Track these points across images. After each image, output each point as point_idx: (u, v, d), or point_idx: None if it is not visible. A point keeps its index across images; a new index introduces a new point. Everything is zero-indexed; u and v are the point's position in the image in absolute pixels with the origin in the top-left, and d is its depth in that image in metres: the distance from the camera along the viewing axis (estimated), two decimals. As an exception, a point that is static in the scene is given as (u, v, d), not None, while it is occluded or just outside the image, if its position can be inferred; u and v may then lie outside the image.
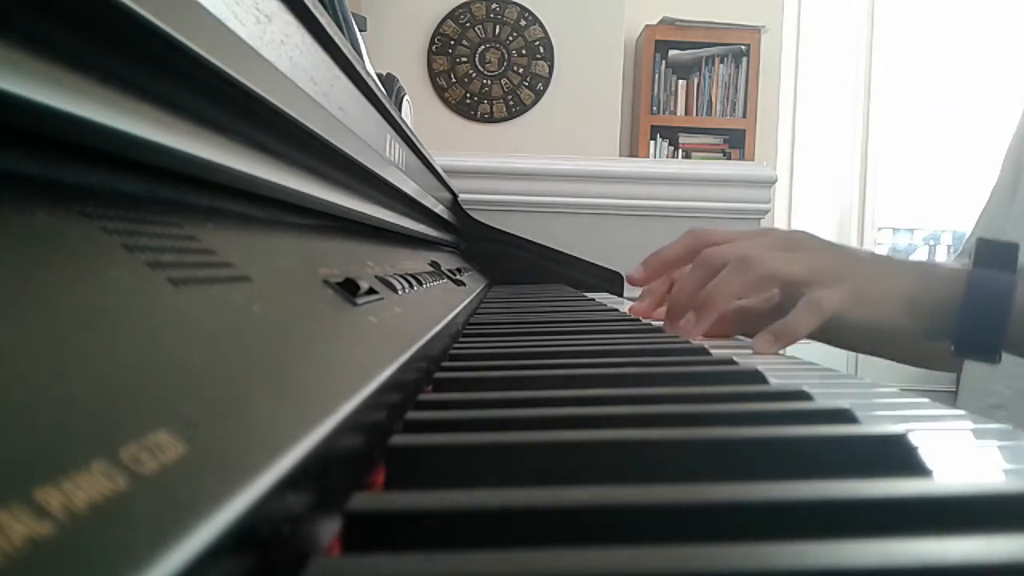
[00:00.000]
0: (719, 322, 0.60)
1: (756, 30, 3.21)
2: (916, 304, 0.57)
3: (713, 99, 3.27)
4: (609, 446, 0.21)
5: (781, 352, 0.54)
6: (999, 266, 0.58)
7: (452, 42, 3.09)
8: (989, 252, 0.59)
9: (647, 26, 3.21)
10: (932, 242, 3.64)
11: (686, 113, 3.29)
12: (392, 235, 0.64)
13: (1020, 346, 0.58)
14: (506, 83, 3.11)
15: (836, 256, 0.58)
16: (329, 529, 0.16)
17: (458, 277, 0.78)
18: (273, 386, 0.18)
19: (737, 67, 3.25)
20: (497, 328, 0.55)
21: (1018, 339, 0.57)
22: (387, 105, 0.54)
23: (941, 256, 3.50)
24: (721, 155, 3.26)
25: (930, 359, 0.74)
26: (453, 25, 3.08)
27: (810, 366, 0.48)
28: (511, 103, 3.11)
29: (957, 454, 0.26)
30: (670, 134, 3.27)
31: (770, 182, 1.41)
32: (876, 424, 0.22)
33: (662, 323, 0.60)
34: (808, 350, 0.59)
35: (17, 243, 0.15)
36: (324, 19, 0.35)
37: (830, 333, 0.58)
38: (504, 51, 3.10)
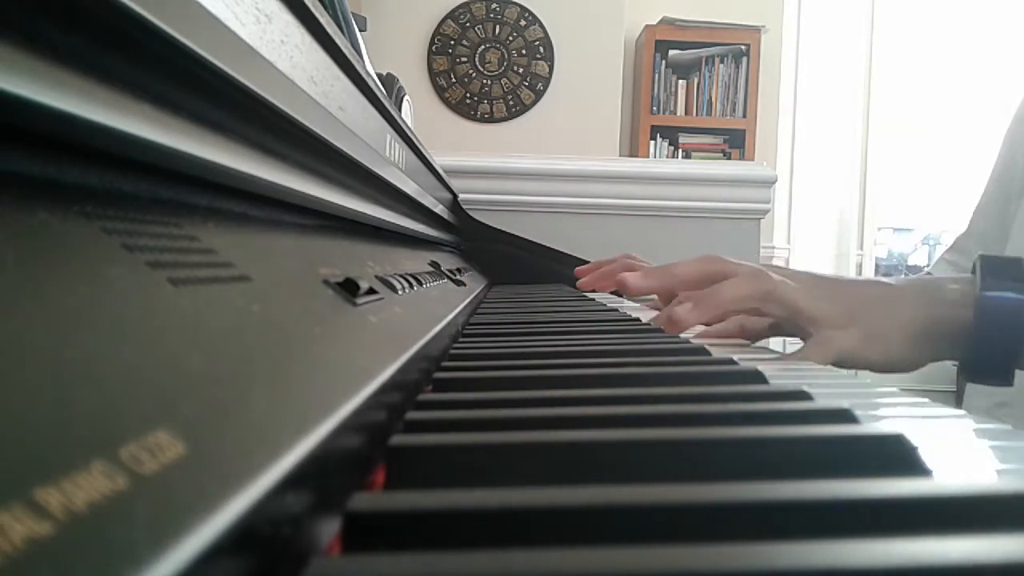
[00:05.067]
0: (717, 333, 0.59)
1: (756, 30, 3.21)
2: (926, 333, 0.56)
3: (713, 99, 3.27)
4: (609, 446, 0.21)
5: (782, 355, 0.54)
6: (1007, 283, 0.55)
7: (452, 42, 3.09)
8: (994, 268, 0.56)
9: (647, 26, 3.21)
10: (932, 242, 3.64)
11: (686, 113, 3.29)
12: (392, 235, 0.64)
13: None
14: (506, 83, 3.11)
15: (840, 294, 0.56)
16: (329, 529, 0.16)
17: (458, 277, 0.78)
18: (273, 386, 0.18)
19: (737, 67, 3.25)
20: (497, 328, 0.55)
21: None
22: (387, 105, 0.54)
23: (939, 255, 3.50)
24: (721, 155, 3.26)
25: None
26: (453, 25, 3.08)
27: (810, 366, 0.48)
28: (511, 103, 3.11)
29: (957, 454, 0.26)
30: (670, 134, 3.27)
31: (770, 182, 1.41)
32: (876, 424, 0.22)
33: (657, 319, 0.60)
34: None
35: (17, 243, 0.15)
36: (324, 19, 0.35)
37: (840, 366, 0.57)
38: (504, 51, 3.10)
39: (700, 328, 0.61)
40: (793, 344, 0.57)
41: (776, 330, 0.61)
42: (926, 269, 1.02)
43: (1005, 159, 0.91)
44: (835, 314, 0.55)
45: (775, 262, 2.12)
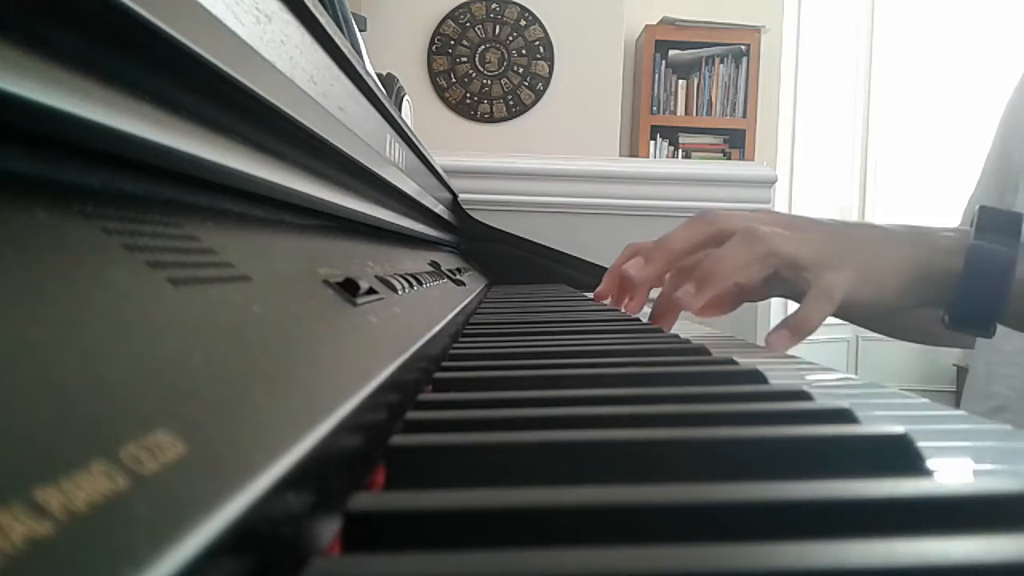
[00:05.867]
0: (715, 298, 0.59)
1: (756, 30, 3.21)
2: (917, 277, 0.56)
3: (713, 99, 3.27)
4: (609, 446, 0.21)
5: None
6: (1001, 237, 0.56)
7: (452, 42, 3.09)
8: (991, 221, 0.57)
9: (647, 26, 3.21)
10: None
11: (686, 113, 3.29)
12: (392, 235, 0.64)
13: (1020, 320, 0.57)
14: (506, 83, 3.11)
15: (836, 236, 0.57)
16: (329, 529, 0.16)
17: (458, 277, 0.78)
18: (273, 386, 0.18)
19: (737, 67, 3.25)
20: (497, 328, 0.55)
21: (1019, 313, 0.56)
22: (387, 105, 0.54)
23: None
24: (721, 155, 3.26)
25: (930, 335, 0.73)
26: (453, 25, 3.08)
27: (810, 366, 0.48)
28: (511, 103, 3.11)
29: (957, 454, 0.26)
30: (670, 134, 3.27)
31: (770, 182, 1.41)
32: (876, 424, 0.22)
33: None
34: (808, 350, 0.59)
35: (17, 243, 0.15)
36: (324, 19, 0.35)
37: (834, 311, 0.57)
38: (504, 51, 3.10)
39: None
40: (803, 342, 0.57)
41: (772, 287, 0.60)
42: None
43: (999, 151, 0.91)
44: (830, 255, 0.55)
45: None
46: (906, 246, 0.57)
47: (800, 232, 0.56)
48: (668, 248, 0.58)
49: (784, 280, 0.57)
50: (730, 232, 0.55)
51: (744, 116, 3.25)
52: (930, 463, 0.20)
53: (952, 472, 0.22)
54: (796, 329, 0.52)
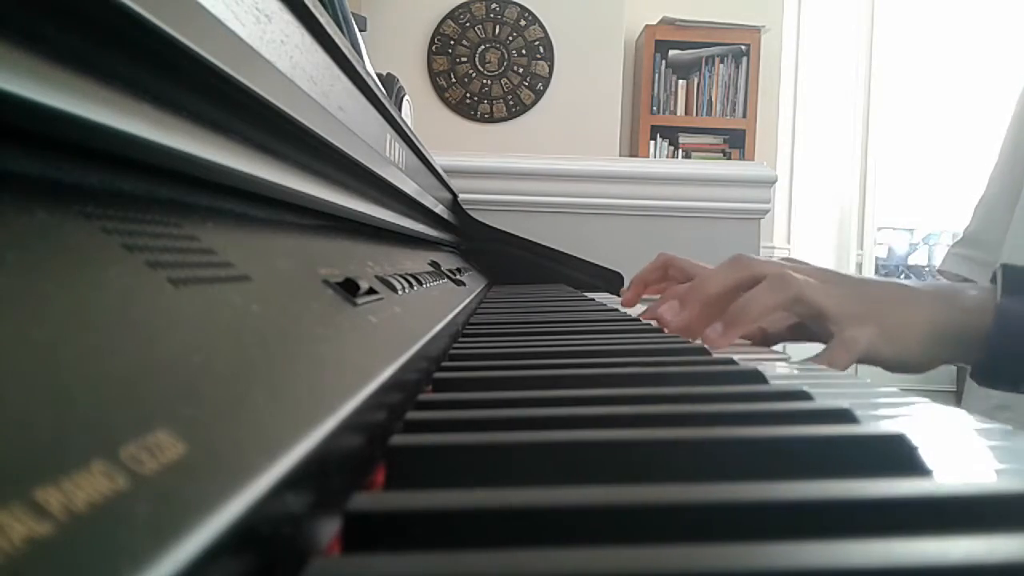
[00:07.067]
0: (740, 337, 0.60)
1: (756, 30, 3.21)
2: (942, 337, 0.57)
3: (713, 99, 3.27)
4: (609, 446, 0.21)
5: (780, 351, 0.54)
6: None
7: (452, 42, 3.09)
8: (1015, 279, 0.57)
9: (647, 26, 3.21)
10: (932, 242, 3.64)
11: (686, 113, 3.29)
12: (392, 235, 0.64)
13: None
14: (506, 83, 3.11)
15: (862, 292, 0.57)
16: (329, 529, 0.16)
17: (458, 277, 0.78)
18: (273, 386, 0.18)
19: (737, 67, 3.25)
20: (497, 328, 0.55)
21: None
22: (387, 105, 0.54)
23: (939, 255, 3.51)
24: (721, 155, 3.26)
25: None
26: (453, 25, 3.08)
27: (811, 366, 0.48)
28: (511, 103, 3.11)
29: (957, 454, 0.26)
30: (670, 134, 3.27)
31: (770, 182, 1.41)
32: (876, 424, 0.22)
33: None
34: (810, 349, 0.59)
35: (17, 243, 0.15)
36: (324, 19, 0.35)
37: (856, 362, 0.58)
38: (504, 51, 3.10)
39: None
40: (804, 344, 0.57)
41: (795, 333, 0.61)
42: (937, 267, 1.02)
43: (1011, 148, 0.90)
44: (855, 311, 0.55)
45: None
46: (931, 305, 0.58)
47: (828, 284, 0.56)
48: (703, 292, 0.58)
49: (809, 329, 0.57)
50: (762, 277, 0.55)
51: (744, 116, 3.25)
52: (930, 463, 0.20)
53: (952, 472, 0.22)
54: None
